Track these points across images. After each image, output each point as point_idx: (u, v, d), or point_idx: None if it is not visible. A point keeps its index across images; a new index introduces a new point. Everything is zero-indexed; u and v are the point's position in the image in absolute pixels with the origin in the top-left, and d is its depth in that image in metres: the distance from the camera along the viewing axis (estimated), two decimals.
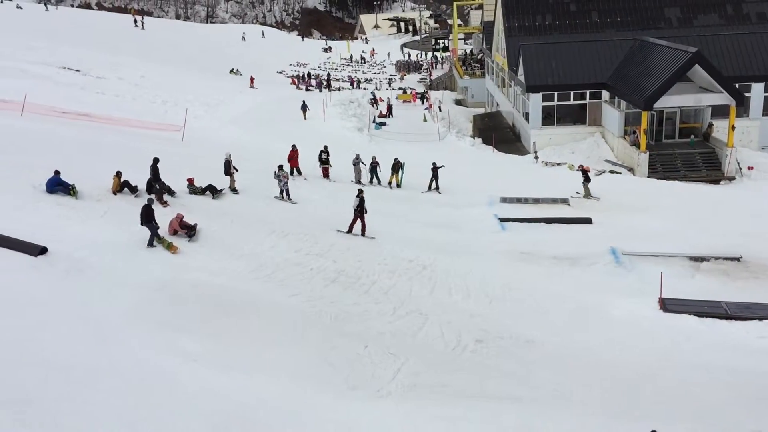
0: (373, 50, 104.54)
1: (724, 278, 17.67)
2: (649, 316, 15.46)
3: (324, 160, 27.84)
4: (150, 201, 16.66)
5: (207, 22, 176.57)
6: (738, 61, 35.46)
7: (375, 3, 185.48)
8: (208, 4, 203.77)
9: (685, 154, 31.48)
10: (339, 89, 64.72)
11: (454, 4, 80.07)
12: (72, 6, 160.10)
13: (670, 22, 41.70)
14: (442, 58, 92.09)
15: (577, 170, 28.82)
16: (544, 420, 11.31)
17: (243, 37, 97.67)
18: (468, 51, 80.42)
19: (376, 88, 68.97)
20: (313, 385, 11.56)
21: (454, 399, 11.83)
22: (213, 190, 20.65)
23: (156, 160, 19.37)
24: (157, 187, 18.91)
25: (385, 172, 27.63)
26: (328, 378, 11.92)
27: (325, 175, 27.58)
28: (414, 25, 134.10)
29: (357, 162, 27.71)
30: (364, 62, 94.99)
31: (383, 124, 44.86)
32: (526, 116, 37.55)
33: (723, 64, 33.76)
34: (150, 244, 16.12)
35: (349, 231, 19.22)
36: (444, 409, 11.42)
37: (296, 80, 70.41)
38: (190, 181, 20.54)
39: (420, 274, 16.83)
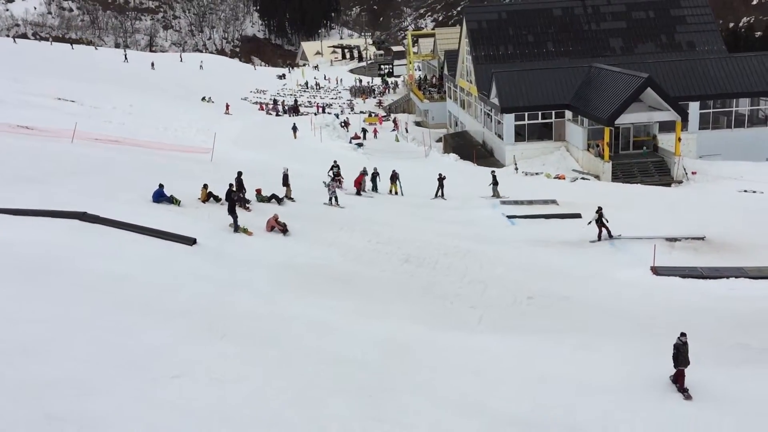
0: (326, 76, 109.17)
1: (694, 253, 22.82)
2: (646, 278, 20.39)
3: (336, 174, 32.18)
4: (232, 197, 20.72)
5: (149, 51, 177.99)
6: (675, 83, 41.69)
7: (323, 29, 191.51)
8: (149, 33, 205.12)
9: (640, 163, 37.27)
10: (306, 114, 69.05)
11: (409, 34, 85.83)
12: (8, 36, 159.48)
13: (614, 51, 48.01)
14: (393, 84, 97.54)
15: (555, 178, 34.10)
16: (589, 345, 15.90)
17: (201, 66, 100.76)
18: (422, 76, 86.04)
19: (342, 112, 73.62)
20: (426, 327, 15.90)
21: (524, 334, 16.34)
22: (277, 198, 24.74)
23: (240, 174, 23.38)
24: (241, 195, 22.90)
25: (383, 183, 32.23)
26: (434, 322, 16.27)
27: (338, 185, 31.87)
28: (359, 52, 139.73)
29: (364, 173, 32.22)
30: (319, 88, 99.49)
31: (360, 145, 49.52)
32: (500, 134, 42.84)
33: (664, 87, 39.84)
34: (235, 230, 20.20)
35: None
36: (520, 339, 15.92)
37: (264, 106, 74.33)
38: (258, 191, 24.58)
39: (466, 256, 21.36)
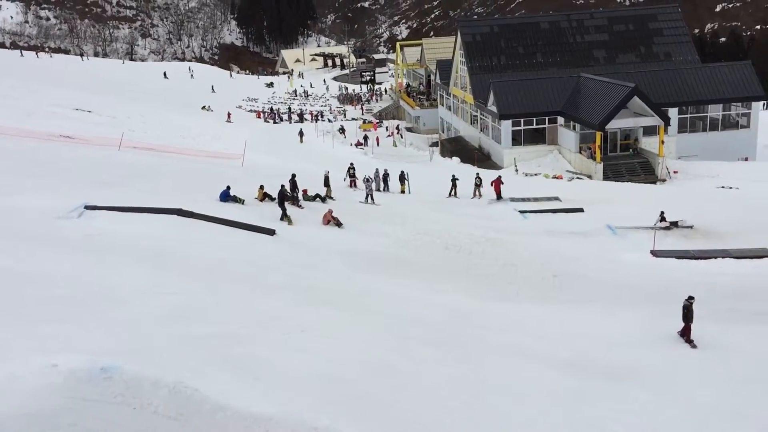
0: (311, 84, 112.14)
1: (685, 239, 26.58)
2: (646, 260, 24.08)
3: (352, 174, 35.57)
4: (283, 194, 24.02)
5: (127, 60, 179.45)
6: (655, 91, 45.75)
7: (300, 37, 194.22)
8: (129, 42, 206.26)
9: (628, 163, 41.23)
10: (308, 121, 72.40)
11: (398, 44, 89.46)
12: None
13: (598, 61, 52.05)
14: (379, 91, 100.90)
15: (553, 178, 37.84)
16: (607, 311, 19.40)
17: (191, 75, 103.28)
18: (409, 84, 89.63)
19: (335, 118, 76.93)
20: (477, 299, 19.34)
21: (555, 303, 19.84)
22: (320, 198, 28.04)
23: (294, 175, 26.64)
24: (294, 194, 26.16)
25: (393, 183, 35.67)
26: (482, 295, 19.71)
27: (353, 185, 35.24)
28: (342, 60, 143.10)
29: (376, 174, 35.69)
30: (308, 96, 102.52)
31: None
32: (497, 139, 46.57)
33: (646, 94, 43.89)
34: (281, 218, 23.53)
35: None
36: (553, 307, 19.42)
37: (261, 114, 77.30)
38: (304, 192, 27.83)
39: (494, 244, 24.87)
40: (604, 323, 18.33)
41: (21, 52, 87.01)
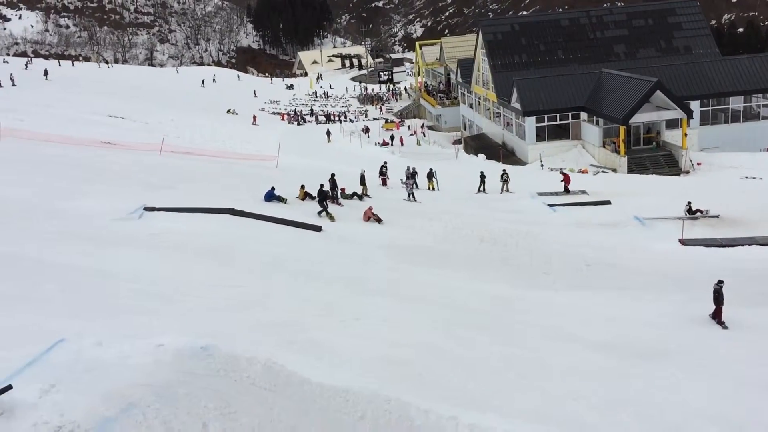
0: (331, 85, 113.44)
1: (711, 228, 27.52)
2: (675, 248, 25.08)
3: (383, 173, 36.75)
4: (323, 193, 25.33)
5: (147, 65, 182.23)
6: (677, 84, 46.55)
7: (316, 38, 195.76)
8: (149, 47, 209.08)
9: (651, 156, 42.10)
10: (335, 122, 73.76)
11: (417, 44, 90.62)
12: (8, 55, 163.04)
13: (618, 56, 52.87)
14: (398, 90, 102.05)
15: (578, 172, 38.79)
16: (640, 297, 20.40)
17: (213, 79, 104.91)
18: (430, 83, 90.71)
19: (356, 118, 78.24)
20: (516, 287, 20.46)
21: (589, 290, 20.89)
22: (358, 195, 29.28)
23: (333, 175, 27.91)
24: (335, 193, 27.42)
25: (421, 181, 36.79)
26: (521, 284, 20.82)
27: (384, 183, 36.40)
28: (359, 61, 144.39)
29: (408, 174, 36.79)
30: (328, 97, 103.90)
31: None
32: (521, 135, 47.59)
33: (668, 88, 44.74)
34: (319, 214, 24.81)
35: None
36: (588, 294, 20.48)
37: (284, 116, 78.74)
38: (342, 190, 29.06)
39: (527, 235, 25.97)
40: (637, 308, 19.37)
41: (28, 63, 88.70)
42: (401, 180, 30.63)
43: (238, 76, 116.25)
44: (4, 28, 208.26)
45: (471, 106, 63.35)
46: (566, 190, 33.67)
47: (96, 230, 20.06)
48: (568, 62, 52.38)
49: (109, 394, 9.33)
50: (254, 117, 69.11)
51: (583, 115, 46.22)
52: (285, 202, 26.32)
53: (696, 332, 17.56)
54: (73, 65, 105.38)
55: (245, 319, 14.94)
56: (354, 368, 13.17)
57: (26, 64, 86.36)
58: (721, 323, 18.00)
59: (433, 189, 36.63)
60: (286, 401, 10.55)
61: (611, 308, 19.23)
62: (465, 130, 65.98)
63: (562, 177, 35.11)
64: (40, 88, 64.79)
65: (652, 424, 12.62)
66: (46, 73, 75.42)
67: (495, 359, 15.17)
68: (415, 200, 30.84)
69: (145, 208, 21.95)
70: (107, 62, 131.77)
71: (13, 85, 61.76)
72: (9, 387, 8.68)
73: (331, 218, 24.97)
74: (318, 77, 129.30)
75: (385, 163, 37.09)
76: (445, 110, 72.48)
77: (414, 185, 36.10)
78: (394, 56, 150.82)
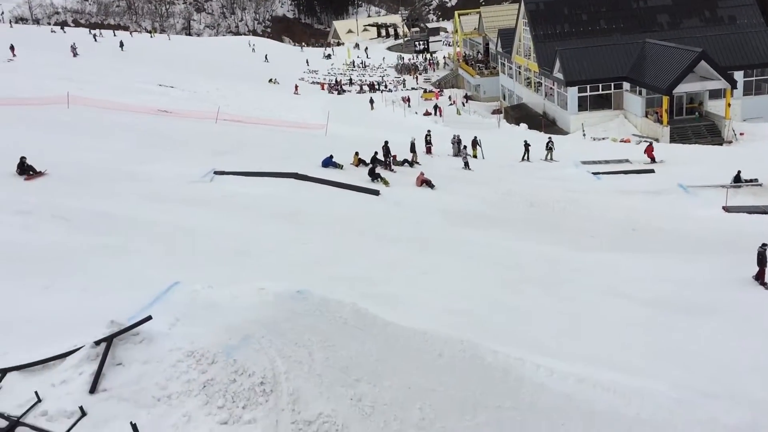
0: (368, 54, 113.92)
1: (753, 196, 28.20)
2: (719, 215, 25.92)
3: (428, 141, 37.81)
4: (375, 159, 26.61)
5: (184, 34, 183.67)
6: (720, 54, 46.52)
7: (350, 7, 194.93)
8: (186, 17, 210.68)
9: (694, 126, 42.48)
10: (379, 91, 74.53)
11: (456, 13, 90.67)
12: (49, 24, 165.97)
13: (662, 26, 52.77)
14: (435, 60, 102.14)
15: (621, 141, 39.47)
16: (686, 260, 21.31)
17: (252, 49, 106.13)
18: (468, 53, 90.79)
19: (395, 88, 78.97)
20: (564, 248, 21.56)
21: (636, 253, 21.81)
22: (408, 162, 30.48)
23: (386, 142, 29.14)
24: (387, 159, 28.68)
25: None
26: (569, 246, 21.87)
27: (428, 152, 37.45)
28: (395, 30, 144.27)
29: (454, 141, 37.86)
30: (365, 67, 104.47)
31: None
32: (563, 105, 48.16)
33: (712, 58, 44.83)
34: (373, 180, 26.15)
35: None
36: (635, 256, 21.46)
37: (325, 85, 79.81)
38: (394, 157, 30.28)
39: (573, 202, 26.99)
40: (682, 269, 20.36)
41: (96, 35, 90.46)
42: (459, 147, 31.83)
43: (252, 46, 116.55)
44: None
45: (511, 76, 63.74)
46: (652, 159, 34.22)
47: (173, 192, 21.65)
48: (610, 32, 52.40)
49: (227, 326, 10.80)
50: (296, 86, 70.25)
51: (626, 85, 46.55)
52: (341, 168, 27.63)
53: (740, 292, 18.53)
54: (114, 35, 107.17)
55: (321, 273, 16.36)
56: (423, 317, 14.50)
57: (95, 36, 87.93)
58: (764, 284, 18.93)
59: (477, 157, 37.61)
60: (373, 339, 11.92)
61: (657, 269, 20.26)
62: (504, 99, 66.42)
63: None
64: (96, 58, 66.42)
65: (696, 371, 13.73)
66: (121, 44, 77.93)
67: (549, 311, 16.43)
68: (470, 168, 31.92)
69: (215, 172, 23.45)
70: (149, 32, 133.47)
71: (75, 55, 63.57)
72: (149, 318, 10.18)
73: (386, 183, 26.25)
74: (355, 46, 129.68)
75: (430, 132, 38.12)
76: (484, 80, 72.83)
77: (467, 154, 37.20)
78: (430, 25, 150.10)
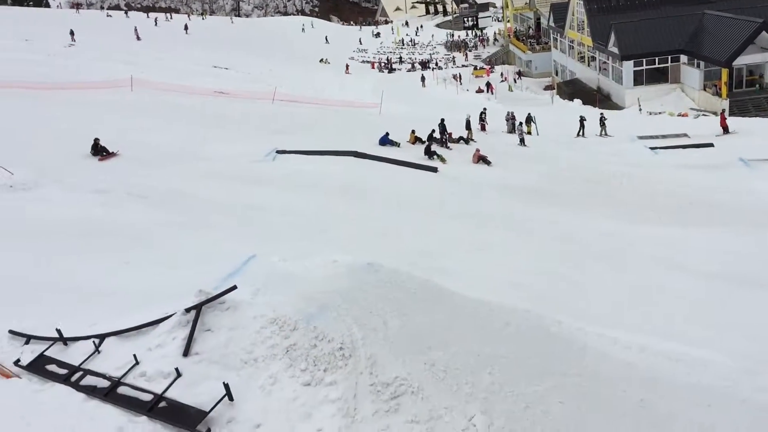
0: (417, 32, 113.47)
1: None
2: None
3: (483, 119, 37.88)
4: (432, 137, 27.09)
5: (233, 15, 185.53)
6: None
7: None
8: None
9: (754, 99, 41.52)
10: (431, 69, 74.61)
11: None
12: (102, 8, 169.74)
13: None
14: (485, 36, 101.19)
15: (678, 116, 38.89)
16: (746, 233, 21.12)
17: (303, 29, 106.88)
18: (519, 29, 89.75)
19: (445, 65, 78.78)
20: (622, 222, 21.60)
21: (695, 227, 21.44)
22: (464, 140, 30.76)
23: (443, 120, 29.48)
24: (443, 137, 29.02)
25: None
26: (627, 219, 21.89)
27: (483, 129, 37.53)
28: (444, 6, 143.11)
29: (509, 118, 37.88)
30: (414, 45, 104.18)
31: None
32: (618, 79, 47.52)
33: None
34: (430, 158, 26.47)
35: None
36: (694, 229, 21.37)
37: (375, 64, 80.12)
38: (450, 134, 30.57)
39: (630, 177, 26.88)
40: (743, 242, 20.24)
41: (157, 19, 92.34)
42: (513, 123, 31.99)
43: (312, 25, 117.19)
44: None
45: (563, 51, 62.96)
46: (725, 130, 33.76)
47: (239, 171, 22.46)
48: (665, 3, 51.26)
49: (305, 296, 11.43)
50: (347, 66, 70.78)
51: (683, 58, 45.67)
52: (398, 146, 28.09)
53: None
54: (172, 17, 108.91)
55: (386, 247, 16.92)
56: (486, 289, 14.92)
57: (155, 20, 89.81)
58: None
59: (532, 133, 37.58)
60: (442, 309, 12.42)
61: (717, 242, 20.18)
62: (557, 75, 65.72)
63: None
64: (156, 42, 67.95)
65: (758, 342, 13.85)
66: (186, 27, 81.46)
67: (609, 285, 16.67)
68: (525, 145, 32.02)
69: (278, 151, 24.16)
70: (202, 14, 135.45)
71: (138, 39, 65.30)
72: (234, 287, 10.87)
73: (442, 160, 26.61)
74: (405, 24, 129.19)
75: (485, 109, 38.22)
76: (535, 56, 72.09)
77: (522, 130, 37.24)
78: (479, 1, 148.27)
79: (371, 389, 9.74)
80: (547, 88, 63.09)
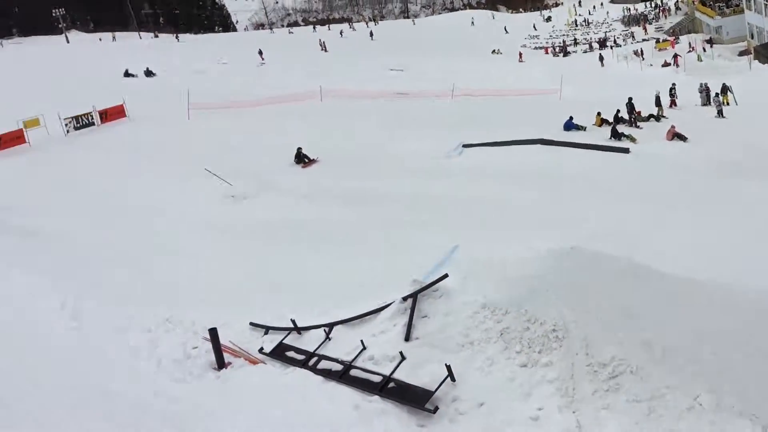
0: (590, 11, 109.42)
1: None
2: None
3: (672, 94, 35.78)
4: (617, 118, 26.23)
5: (402, 18, 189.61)
6: None
7: None
8: (403, 0, 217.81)
9: None
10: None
11: None
12: (282, 26, 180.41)
13: None
14: (666, 6, 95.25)
15: None
16: None
17: (472, 22, 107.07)
18: None
19: (624, 41, 75.42)
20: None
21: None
22: (654, 117, 29.50)
23: (630, 99, 28.57)
24: (632, 117, 28.07)
25: None
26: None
27: (673, 104, 35.39)
28: None
29: (702, 90, 35.56)
30: (588, 24, 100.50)
31: None
32: None
33: None
34: (618, 138, 25.79)
35: None
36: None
37: (549, 49, 78.50)
38: (638, 113, 29.45)
39: None
40: None
41: (342, 31, 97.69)
42: (708, 95, 30.20)
43: (493, 16, 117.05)
44: (277, 2, 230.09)
45: (759, 11, 57.75)
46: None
47: (428, 166, 23.37)
48: None
49: (511, 281, 11.79)
50: (520, 54, 70.06)
51: None
52: (584, 130, 27.56)
53: None
54: (352, 28, 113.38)
55: (584, 231, 16.81)
56: (697, 269, 14.37)
57: (340, 32, 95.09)
58: None
59: (729, 104, 35.07)
60: (651, 289, 12.21)
61: None
62: (753, 38, 60.40)
63: None
64: (338, 52, 71.66)
65: None
66: (371, 34, 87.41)
67: None
68: (724, 116, 30.14)
69: (464, 145, 24.72)
70: (374, 20, 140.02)
71: (324, 50, 69.46)
72: (446, 275, 11.50)
73: (632, 140, 25.73)
74: (578, 4, 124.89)
75: (674, 84, 36.28)
76: (726, 20, 66.81)
77: (719, 102, 34.98)
78: None
79: (588, 369, 9.90)
80: (743, 53, 58.25)
